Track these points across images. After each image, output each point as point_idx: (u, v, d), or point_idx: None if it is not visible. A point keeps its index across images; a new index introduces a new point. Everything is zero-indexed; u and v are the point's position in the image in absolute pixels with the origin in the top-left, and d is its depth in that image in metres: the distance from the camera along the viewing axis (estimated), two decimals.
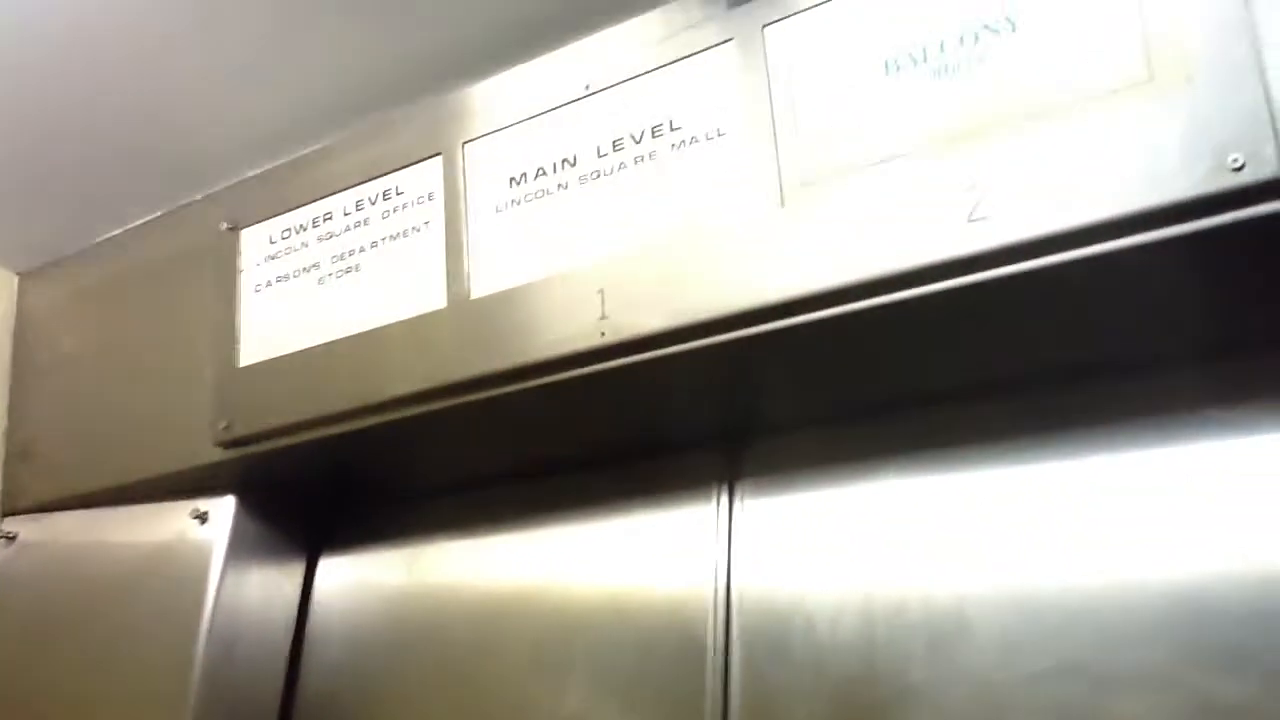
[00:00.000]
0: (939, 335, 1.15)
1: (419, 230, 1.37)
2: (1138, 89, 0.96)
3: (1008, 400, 1.24)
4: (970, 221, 1.00)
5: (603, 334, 1.18)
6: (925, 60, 1.07)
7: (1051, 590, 1.14)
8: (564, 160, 1.27)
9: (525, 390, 1.25)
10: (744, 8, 1.19)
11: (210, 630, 1.49)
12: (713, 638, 1.30)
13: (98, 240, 1.81)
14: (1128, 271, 0.99)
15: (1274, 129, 0.89)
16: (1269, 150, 0.89)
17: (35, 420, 1.78)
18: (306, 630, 1.65)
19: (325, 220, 1.46)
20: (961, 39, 1.06)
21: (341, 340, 1.39)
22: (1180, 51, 0.94)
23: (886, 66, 1.09)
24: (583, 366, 1.20)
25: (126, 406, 1.64)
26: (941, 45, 1.06)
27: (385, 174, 1.42)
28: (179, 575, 1.55)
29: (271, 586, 1.62)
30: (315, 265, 1.45)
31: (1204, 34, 0.93)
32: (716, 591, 1.33)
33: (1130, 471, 1.15)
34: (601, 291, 1.19)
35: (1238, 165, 0.90)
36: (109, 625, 1.59)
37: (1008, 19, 1.04)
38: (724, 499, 1.39)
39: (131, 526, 1.63)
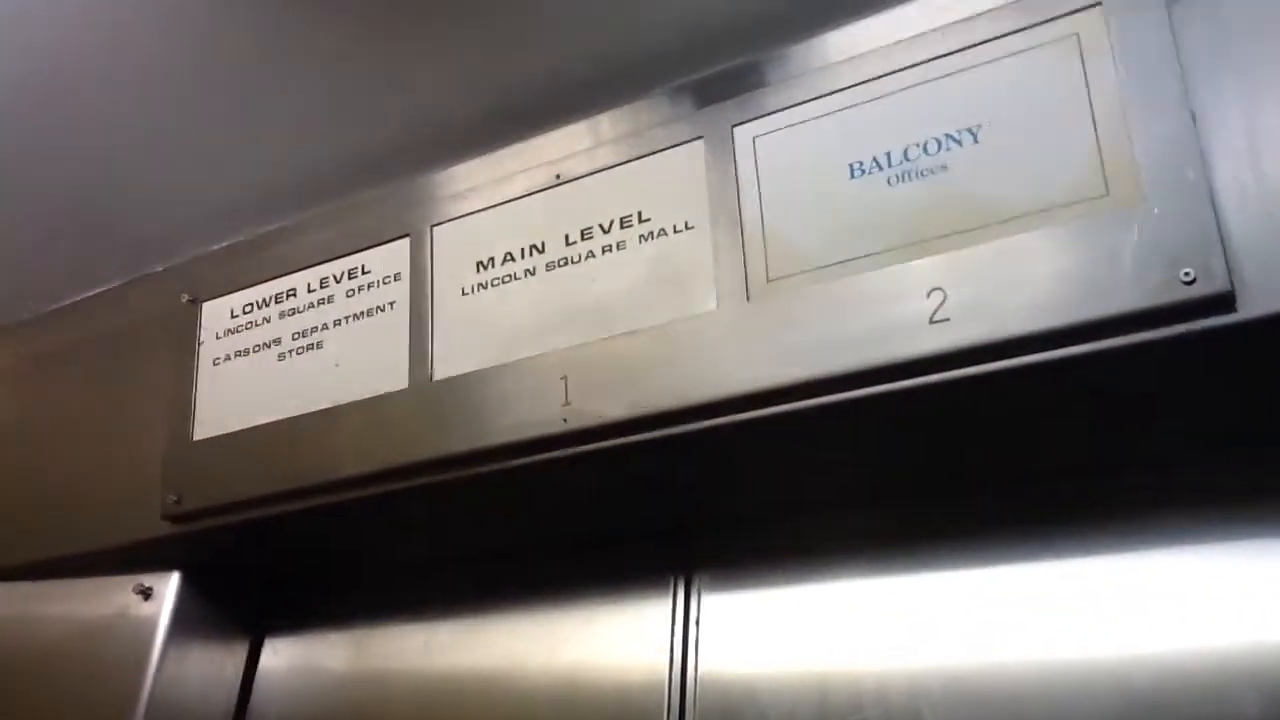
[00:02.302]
0: (897, 434, 1.16)
1: (384, 310, 1.37)
2: (1094, 203, 0.99)
3: (966, 499, 1.25)
4: (932, 323, 1.02)
5: (565, 420, 1.18)
6: (889, 165, 1.10)
7: (1007, 690, 1.14)
8: (532, 246, 1.28)
9: (484, 474, 1.24)
10: (714, 107, 1.22)
11: (147, 715, 1.44)
12: None
13: (52, 308, 1.79)
14: (1083, 377, 1.01)
15: (1223, 245, 0.92)
16: (1218, 265, 0.92)
17: None
18: (247, 716, 1.60)
19: (289, 296, 1.46)
20: (925, 147, 1.09)
21: (299, 417, 1.37)
22: (1134, 169, 0.98)
23: (851, 169, 1.12)
24: (544, 452, 1.20)
25: (73, 476, 1.60)
26: (905, 152, 1.10)
27: (352, 253, 1.42)
28: (118, 652, 1.49)
29: (213, 668, 1.57)
30: (276, 341, 1.44)
31: (1157, 154, 0.97)
32: (670, 684, 1.31)
33: (1086, 573, 1.16)
34: (565, 378, 1.19)
35: (1189, 279, 0.93)
36: (40, 706, 1.53)
37: (969, 130, 1.07)
38: (680, 590, 1.37)
39: (71, 600, 1.58)
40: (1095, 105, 1.02)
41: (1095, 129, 1.01)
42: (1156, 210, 0.95)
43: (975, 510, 1.24)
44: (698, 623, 1.34)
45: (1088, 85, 1.02)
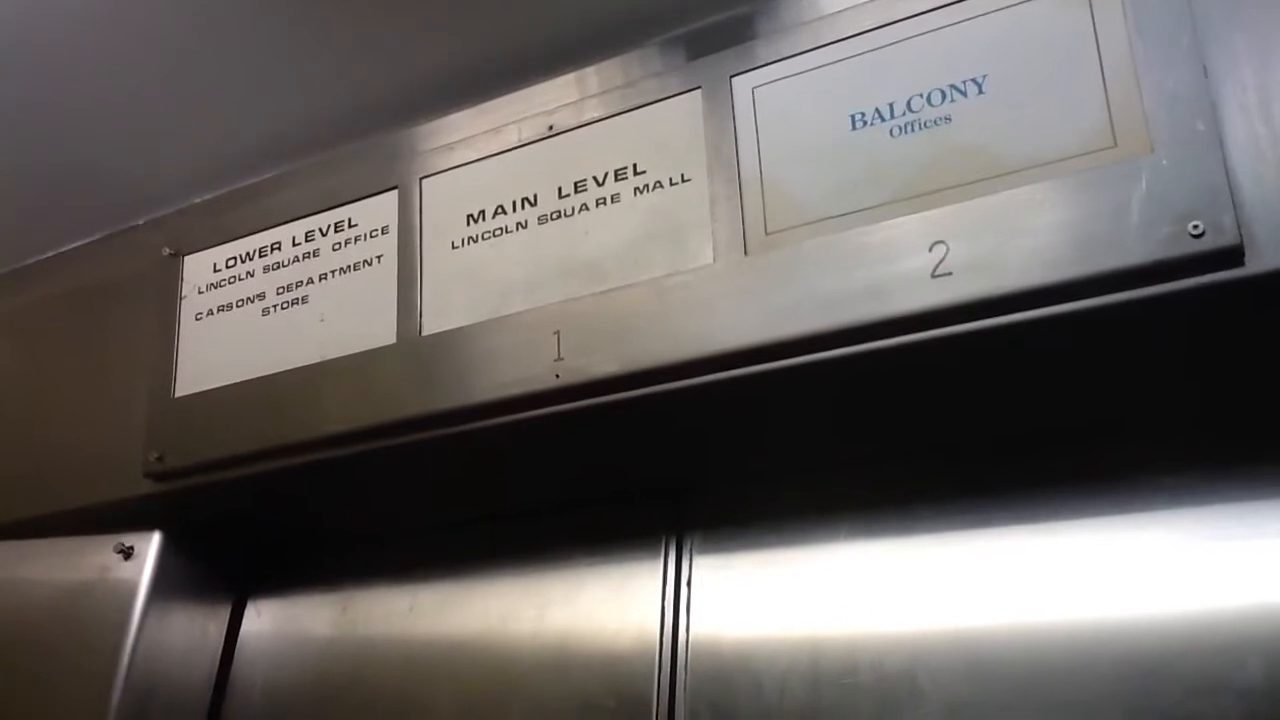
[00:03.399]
0: (896, 392, 1.14)
1: (371, 264, 1.34)
2: (1101, 155, 0.97)
3: (964, 463, 1.23)
4: (934, 277, 1.00)
5: (557, 376, 1.15)
6: (892, 116, 1.08)
7: (1004, 658, 1.12)
8: (524, 199, 1.25)
9: (473, 431, 1.21)
10: (712, 57, 1.19)
11: (128, 678, 1.42)
12: (657, 697, 1.26)
13: (30, 262, 1.75)
14: (1087, 333, 0.99)
15: (1233, 198, 0.90)
16: (1228, 219, 0.90)
17: None
18: (229, 679, 1.58)
19: (273, 250, 1.42)
20: (929, 97, 1.06)
21: (284, 373, 1.34)
22: (1143, 121, 0.96)
23: (853, 120, 1.10)
24: (535, 408, 1.17)
25: (52, 434, 1.57)
26: (908, 103, 1.07)
27: (338, 206, 1.39)
28: (98, 614, 1.47)
29: (195, 630, 1.55)
30: (260, 295, 1.41)
31: (1167, 106, 0.95)
32: (661, 648, 1.29)
33: (1085, 539, 1.14)
34: (558, 333, 1.17)
35: (1198, 232, 0.91)
36: (17, 669, 1.50)
37: (974, 80, 1.05)
38: (672, 552, 1.35)
39: (50, 561, 1.55)
40: (1104, 56, 0.99)
41: (1104, 80, 0.99)
42: (1165, 162, 0.94)
43: (974, 473, 1.22)
44: (689, 584, 1.32)
45: (1096, 36, 1.00)
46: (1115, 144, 0.97)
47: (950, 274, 0.99)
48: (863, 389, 1.13)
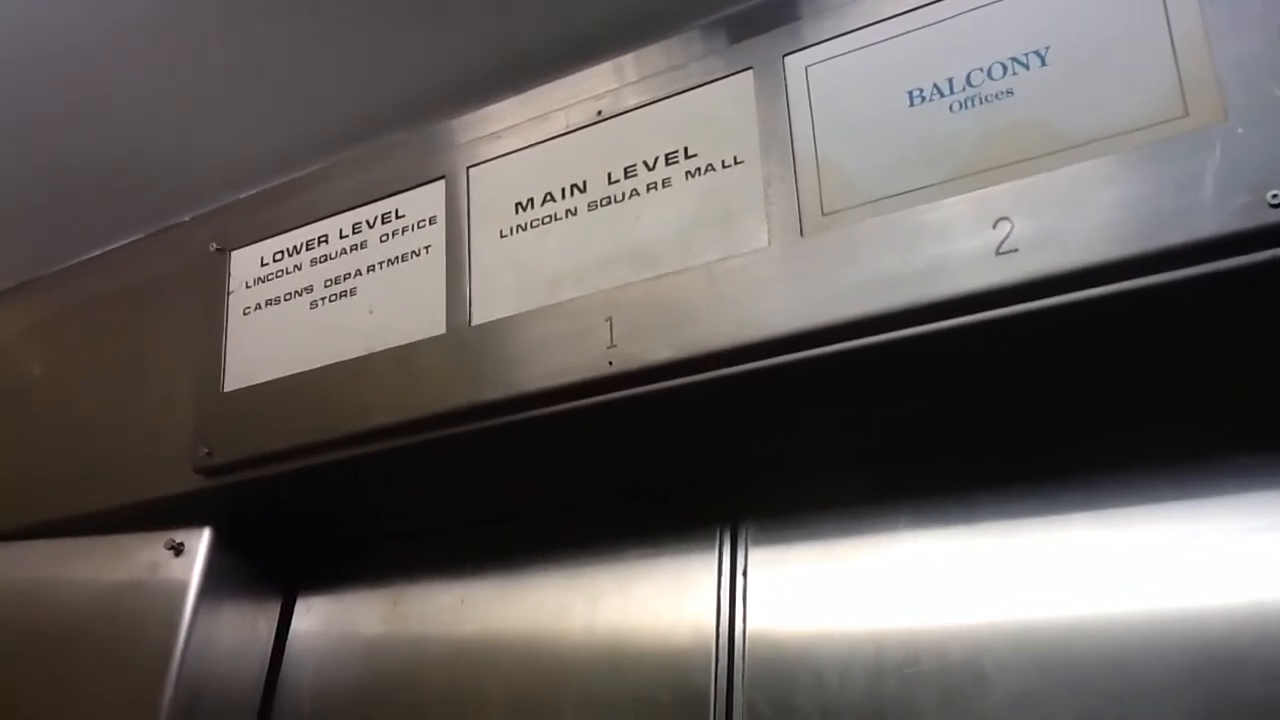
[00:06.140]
0: (958, 375, 1.11)
1: (419, 254, 1.33)
2: (1172, 125, 0.94)
3: (1028, 448, 1.20)
4: (999, 255, 0.97)
5: (611, 363, 1.13)
6: (951, 92, 1.05)
7: (1071, 643, 1.09)
8: (573, 186, 1.24)
9: (525, 421, 1.20)
10: (764, 36, 1.17)
11: (179, 675, 1.41)
12: (714, 691, 1.24)
13: (80, 260, 1.76)
14: (1159, 311, 0.96)
15: None
16: None
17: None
18: (279, 676, 1.57)
19: (320, 243, 1.42)
20: (989, 71, 1.03)
21: (333, 366, 1.33)
22: (1216, 88, 0.92)
23: (910, 97, 1.07)
24: (588, 397, 1.16)
25: (101, 431, 1.57)
26: (968, 77, 1.04)
27: (385, 197, 1.38)
28: (149, 611, 1.46)
29: (245, 627, 1.54)
30: (308, 288, 1.40)
31: (1241, 72, 0.91)
32: (718, 641, 1.27)
33: (1154, 522, 1.11)
34: (610, 319, 1.15)
35: (1276, 202, 0.87)
36: (68, 667, 1.51)
37: (1037, 53, 1.02)
38: (727, 542, 1.33)
39: (100, 558, 1.55)
40: (1173, 22, 0.96)
41: (1173, 47, 0.96)
42: (1241, 130, 0.90)
43: (1041, 460, 1.19)
44: (745, 575, 1.30)
45: (1165, 1, 0.97)
46: (1186, 113, 0.93)
47: (1016, 250, 0.97)
48: (922, 373, 1.10)
